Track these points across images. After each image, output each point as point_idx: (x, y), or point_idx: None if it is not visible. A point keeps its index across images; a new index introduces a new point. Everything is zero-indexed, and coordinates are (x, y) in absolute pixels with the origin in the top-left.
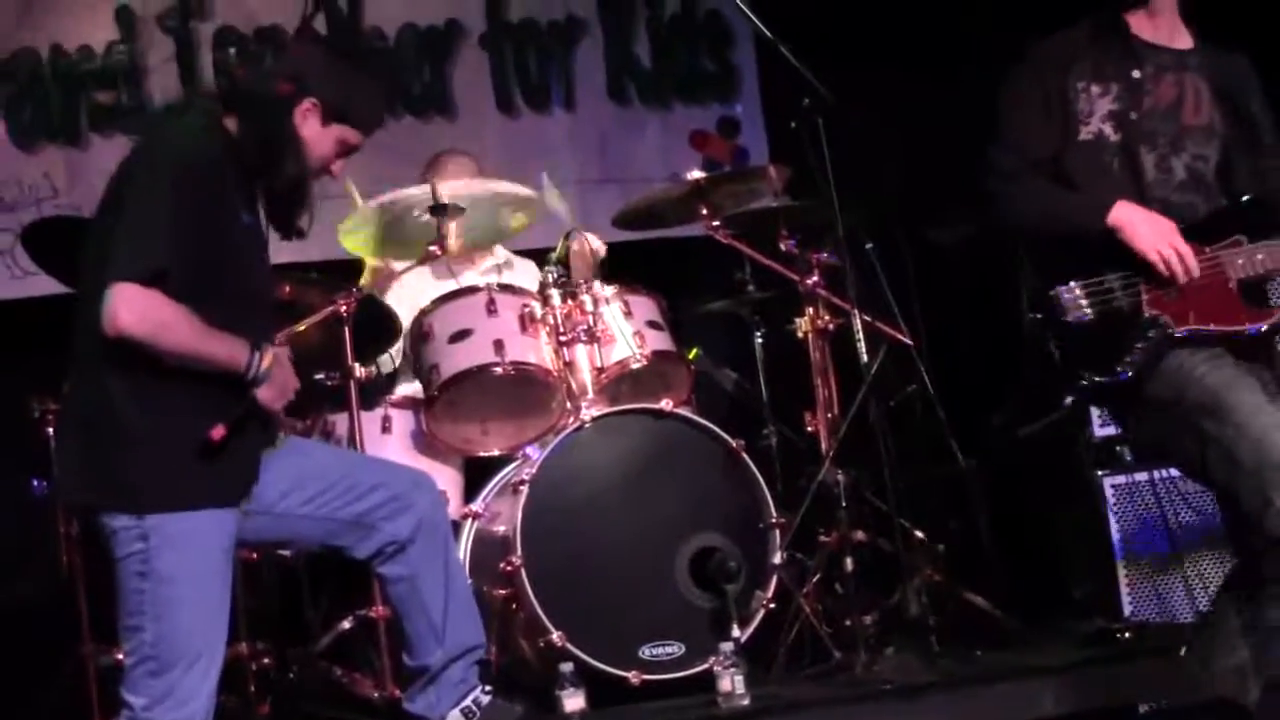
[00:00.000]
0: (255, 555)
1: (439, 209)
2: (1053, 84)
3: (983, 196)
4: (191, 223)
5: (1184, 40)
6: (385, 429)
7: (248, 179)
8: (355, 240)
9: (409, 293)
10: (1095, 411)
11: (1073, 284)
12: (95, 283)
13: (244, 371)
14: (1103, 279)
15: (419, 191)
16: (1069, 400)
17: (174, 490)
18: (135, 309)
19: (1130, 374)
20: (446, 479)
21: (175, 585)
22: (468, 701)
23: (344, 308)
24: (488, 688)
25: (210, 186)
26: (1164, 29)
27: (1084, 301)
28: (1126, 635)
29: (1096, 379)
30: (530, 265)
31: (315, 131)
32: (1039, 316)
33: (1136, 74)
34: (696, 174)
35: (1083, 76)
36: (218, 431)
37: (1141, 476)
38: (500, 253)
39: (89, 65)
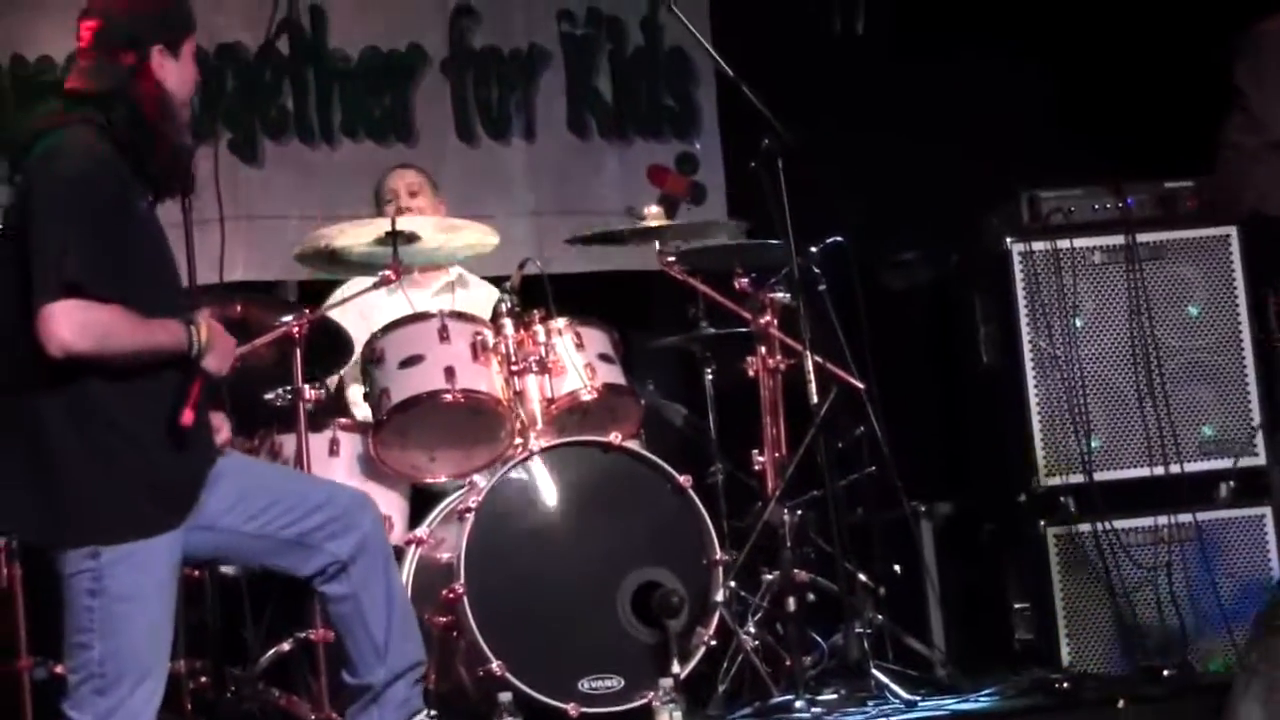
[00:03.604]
0: (198, 573)
1: (393, 237)
2: None
3: (1222, 176)
4: (97, 229)
5: None
6: (333, 451)
7: (139, 166)
8: (310, 260)
9: (360, 308)
10: (1042, 458)
11: None
12: (9, 317)
13: (188, 350)
14: None
15: (377, 223)
16: None
17: (128, 520)
18: (73, 323)
19: None
20: (392, 504)
21: (126, 603)
22: None
23: (296, 328)
24: (433, 712)
25: (105, 189)
26: None
27: None
28: (1065, 685)
29: None
30: (485, 285)
31: (173, 69)
32: None
33: None
34: (652, 212)
35: None
36: (186, 416)
37: (1084, 528)
38: (453, 270)
39: (48, 76)
